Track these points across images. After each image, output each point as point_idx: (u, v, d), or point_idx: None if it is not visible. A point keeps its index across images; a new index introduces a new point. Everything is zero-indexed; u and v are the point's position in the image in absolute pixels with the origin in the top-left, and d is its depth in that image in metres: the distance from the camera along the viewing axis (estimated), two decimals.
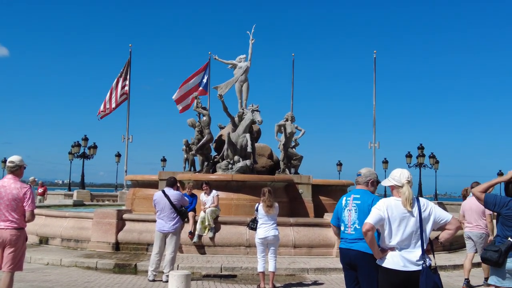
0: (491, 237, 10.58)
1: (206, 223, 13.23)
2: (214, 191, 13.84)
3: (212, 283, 10.42)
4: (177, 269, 10.84)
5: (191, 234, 13.24)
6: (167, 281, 9.71)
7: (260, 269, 9.92)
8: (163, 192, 10.64)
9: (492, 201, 5.84)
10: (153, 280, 10.33)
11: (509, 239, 5.65)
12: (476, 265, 11.29)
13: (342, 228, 6.09)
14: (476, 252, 10.42)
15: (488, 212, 10.27)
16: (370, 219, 5.00)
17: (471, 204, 10.46)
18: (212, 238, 13.25)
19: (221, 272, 11.44)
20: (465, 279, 10.32)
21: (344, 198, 6.22)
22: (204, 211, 13.32)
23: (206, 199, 13.61)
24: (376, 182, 6.24)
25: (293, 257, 12.91)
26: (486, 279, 10.64)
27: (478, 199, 6.02)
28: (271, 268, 9.88)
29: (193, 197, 13.88)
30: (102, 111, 32.06)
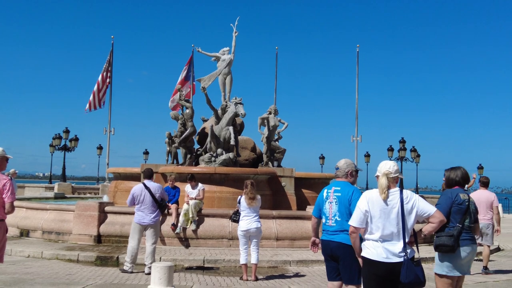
0: (498, 227, 11.14)
1: (190, 215, 13.20)
2: (200, 185, 13.80)
3: (194, 275, 10.44)
4: (160, 261, 10.82)
5: (174, 226, 13.21)
6: (149, 273, 9.78)
7: (242, 261, 9.97)
8: (144, 184, 10.63)
9: (449, 203, 5.98)
10: (131, 272, 10.33)
11: (458, 224, 5.87)
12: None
13: (324, 220, 6.18)
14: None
15: (495, 204, 11.00)
16: (353, 222, 5.10)
17: (480, 197, 10.97)
18: (195, 231, 13.24)
19: (203, 264, 11.45)
20: (484, 266, 11.12)
21: (325, 190, 6.29)
22: (188, 203, 13.30)
23: (191, 191, 13.57)
24: (355, 172, 6.33)
25: (275, 250, 12.97)
26: (485, 267, 10.99)
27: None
28: (253, 260, 9.93)
29: (175, 189, 13.86)
30: (91, 107, 31.62)
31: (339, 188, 6.15)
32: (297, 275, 10.61)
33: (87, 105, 31.58)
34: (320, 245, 6.30)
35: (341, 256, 5.92)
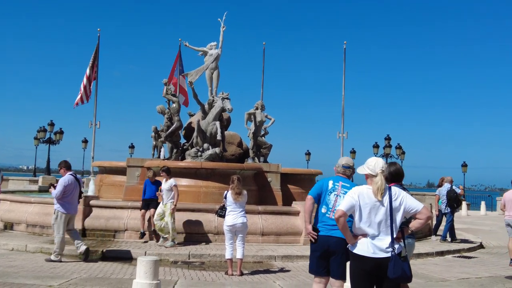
0: None
1: (170, 230, 12.45)
2: (172, 180, 12.75)
3: (180, 269, 10.44)
4: (145, 255, 10.81)
5: (142, 234, 12.92)
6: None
7: (228, 256, 9.99)
8: (74, 176, 11.15)
9: None
10: (60, 261, 10.66)
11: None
12: None
13: (324, 210, 6.14)
14: None
15: None
16: (342, 206, 5.06)
17: (510, 195, 11.36)
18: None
19: (189, 259, 11.46)
20: (511, 259, 11.27)
21: (331, 181, 6.27)
22: (163, 215, 12.55)
23: (164, 190, 12.61)
24: None
25: (261, 245, 12.99)
26: None
27: None
28: (239, 255, 9.96)
29: (156, 184, 13.34)
30: (79, 102, 31.27)
31: (348, 185, 6.17)
32: (282, 270, 10.65)
33: (76, 100, 31.22)
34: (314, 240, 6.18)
35: (337, 251, 5.92)
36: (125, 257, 11.37)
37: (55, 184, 11.13)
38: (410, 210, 5.09)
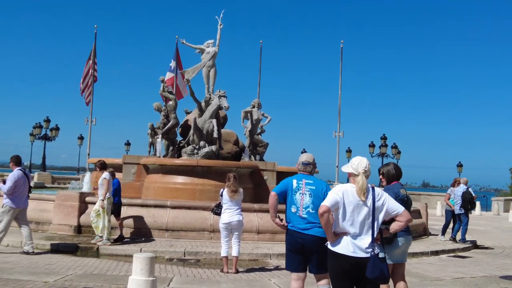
0: None
1: (105, 229, 12.04)
2: (105, 174, 12.36)
3: (175, 267, 10.45)
4: (140, 252, 10.80)
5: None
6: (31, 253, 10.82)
7: (223, 253, 10.00)
8: (23, 171, 11.32)
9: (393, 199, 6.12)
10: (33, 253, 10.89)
11: None
12: None
13: (294, 210, 6.24)
14: None
15: None
16: (327, 202, 5.06)
17: None
18: (171, 222, 13.09)
19: (184, 256, 11.46)
20: None
21: (295, 180, 6.33)
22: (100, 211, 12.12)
23: (99, 184, 12.27)
24: None
25: (256, 243, 13.01)
26: None
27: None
28: (234, 253, 9.97)
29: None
30: (87, 98, 31.40)
31: (311, 182, 6.25)
32: (277, 268, 10.66)
33: (85, 98, 31.33)
34: (287, 236, 6.31)
35: (315, 249, 5.96)
36: (121, 254, 11.37)
37: (5, 178, 11.27)
38: (392, 212, 5.11)
